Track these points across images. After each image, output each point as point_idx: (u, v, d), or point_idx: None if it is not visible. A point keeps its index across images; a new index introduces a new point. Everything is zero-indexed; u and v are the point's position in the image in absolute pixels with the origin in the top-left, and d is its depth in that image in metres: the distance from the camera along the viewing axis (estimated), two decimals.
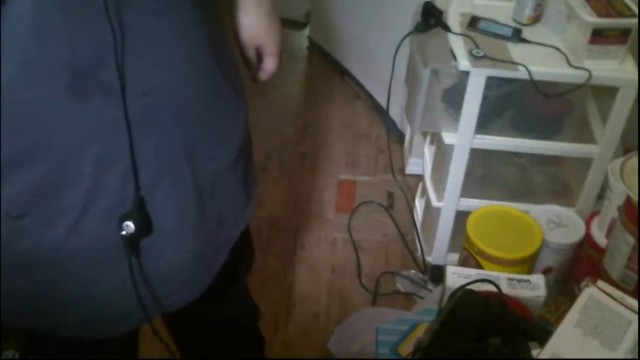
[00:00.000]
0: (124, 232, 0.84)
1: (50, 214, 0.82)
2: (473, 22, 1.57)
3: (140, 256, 0.89)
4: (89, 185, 0.80)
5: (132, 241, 0.86)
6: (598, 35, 1.43)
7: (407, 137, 2.28)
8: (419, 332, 1.18)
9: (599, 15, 1.42)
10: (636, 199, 1.08)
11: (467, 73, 1.48)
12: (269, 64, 1.06)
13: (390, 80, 1.78)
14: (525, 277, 1.14)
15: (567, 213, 1.48)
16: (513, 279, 1.13)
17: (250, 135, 1.03)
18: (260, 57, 1.06)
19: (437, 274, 1.83)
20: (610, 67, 1.47)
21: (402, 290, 1.88)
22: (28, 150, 0.77)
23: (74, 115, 0.76)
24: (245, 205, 1.03)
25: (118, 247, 0.86)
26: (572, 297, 1.13)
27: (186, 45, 0.83)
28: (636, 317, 0.87)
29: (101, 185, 0.81)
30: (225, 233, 1.00)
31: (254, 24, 1.01)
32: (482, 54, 1.47)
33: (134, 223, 0.84)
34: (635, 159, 1.18)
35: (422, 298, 1.82)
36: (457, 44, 1.52)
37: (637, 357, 0.84)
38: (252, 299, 1.35)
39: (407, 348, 1.15)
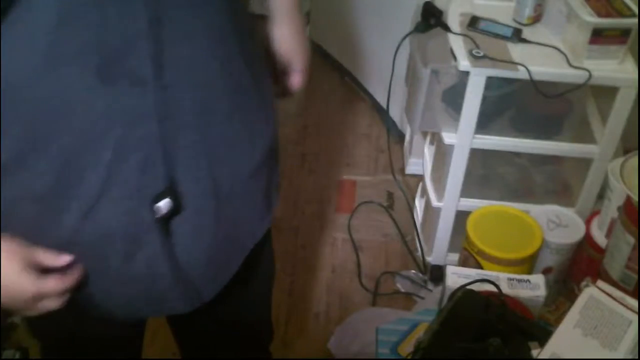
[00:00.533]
0: (157, 215, 0.84)
1: (66, 199, 0.81)
2: (473, 22, 1.57)
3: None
4: (106, 172, 0.80)
5: (163, 222, 0.85)
6: (598, 35, 1.43)
7: (407, 137, 2.28)
8: (419, 332, 1.18)
9: (599, 15, 1.42)
10: (636, 199, 1.08)
11: (467, 73, 1.48)
12: (297, 80, 1.08)
13: (390, 80, 1.78)
14: (525, 277, 1.14)
15: (567, 213, 1.48)
16: (513, 279, 1.13)
17: (277, 147, 1.02)
18: (287, 72, 1.08)
19: (437, 274, 1.83)
20: (610, 67, 1.47)
21: (402, 290, 1.88)
22: (51, 133, 0.77)
23: (99, 99, 0.76)
24: (264, 216, 1.03)
25: (128, 237, 0.85)
26: (572, 297, 1.13)
27: (217, 44, 0.82)
28: (636, 317, 0.87)
29: (118, 173, 0.80)
30: (241, 240, 1.00)
31: (286, 37, 1.04)
32: (482, 54, 1.47)
33: (170, 199, 0.84)
34: (635, 159, 1.18)
35: (422, 298, 1.82)
36: (457, 44, 1.52)
37: (637, 357, 0.84)
38: (268, 318, 1.33)
39: (407, 348, 1.15)
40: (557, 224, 1.45)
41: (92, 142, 0.78)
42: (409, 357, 0.97)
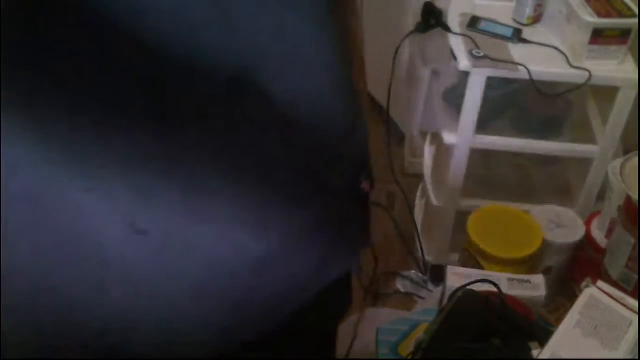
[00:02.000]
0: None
1: None
2: (473, 22, 1.57)
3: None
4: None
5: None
6: (598, 35, 1.43)
7: (407, 137, 2.28)
8: (419, 332, 1.17)
9: (599, 15, 1.42)
10: (636, 198, 1.08)
11: (467, 73, 1.47)
12: None
13: (391, 80, 1.78)
14: (525, 277, 1.14)
15: (567, 213, 1.47)
16: (513, 279, 1.13)
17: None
18: None
19: (437, 274, 1.83)
20: (610, 67, 1.47)
21: (402, 290, 1.88)
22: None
23: (222, 106, 0.72)
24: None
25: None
26: (572, 297, 1.13)
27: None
28: (636, 317, 0.87)
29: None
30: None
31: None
32: (482, 54, 1.47)
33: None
34: (635, 159, 1.18)
35: (422, 298, 1.82)
36: (457, 44, 1.52)
37: (637, 357, 0.84)
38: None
39: (407, 348, 1.15)
40: (557, 224, 1.44)
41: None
42: (409, 357, 0.97)
